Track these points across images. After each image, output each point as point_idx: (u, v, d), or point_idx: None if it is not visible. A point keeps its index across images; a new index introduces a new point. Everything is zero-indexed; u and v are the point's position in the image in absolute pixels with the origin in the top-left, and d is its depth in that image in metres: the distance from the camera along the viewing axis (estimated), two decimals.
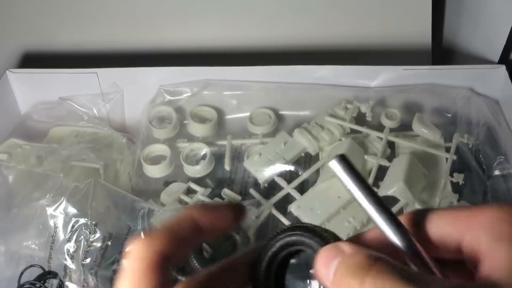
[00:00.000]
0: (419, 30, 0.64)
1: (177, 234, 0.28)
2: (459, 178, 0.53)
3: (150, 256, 0.27)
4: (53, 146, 0.57)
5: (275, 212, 0.51)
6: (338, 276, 0.24)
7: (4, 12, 0.66)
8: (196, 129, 0.59)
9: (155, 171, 0.56)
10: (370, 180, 0.52)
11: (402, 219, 0.26)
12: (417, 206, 0.51)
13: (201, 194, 0.52)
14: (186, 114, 0.61)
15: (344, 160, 0.25)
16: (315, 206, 0.51)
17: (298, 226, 0.26)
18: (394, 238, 0.24)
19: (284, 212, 0.51)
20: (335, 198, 0.51)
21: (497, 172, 0.54)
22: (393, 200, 0.51)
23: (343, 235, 0.42)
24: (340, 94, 0.60)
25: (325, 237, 0.25)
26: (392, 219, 0.25)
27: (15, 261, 0.47)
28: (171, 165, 0.56)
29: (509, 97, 0.59)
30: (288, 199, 0.52)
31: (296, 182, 0.53)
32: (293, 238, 0.26)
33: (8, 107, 0.63)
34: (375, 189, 0.28)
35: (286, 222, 0.50)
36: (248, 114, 0.60)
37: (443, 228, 0.26)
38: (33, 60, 0.68)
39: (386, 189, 0.51)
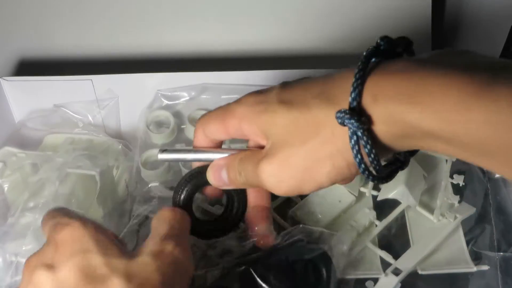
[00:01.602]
0: (419, 31, 0.64)
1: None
2: (459, 179, 0.53)
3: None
4: (48, 153, 0.56)
5: (275, 217, 0.50)
6: (232, 176, 0.39)
7: None
8: None
9: (153, 177, 0.55)
10: (371, 183, 0.52)
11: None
12: (418, 209, 0.51)
13: (200, 201, 0.51)
14: (184, 118, 0.60)
15: (164, 150, 0.42)
16: (316, 210, 0.51)
17: (182, 181, 0.42)
18: (219, 155, 0.41)
19: (285, 217, 0.51)
20: (336, 202, 0.52)
21: (497, 174, 0.54)
22: (395, 202, 0.51)
23: (347, 238, 0.43)
24: None
25: (202, 170, 0.41)
26: (212, 151, 0.41)
27: (12, 270, 0.46)
28: (170, 170, 0.56)
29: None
30: (288, 204, 0.52)
31: None
32: (189, 189, 0.42)
33: (2, 115, 0.62)
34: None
35: (287, 226, 0.49)
36: None
37: (218, 134, 0.40)
38: (27, 67, 0.68)
39: (387, 192, 0.51)
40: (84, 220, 0.36)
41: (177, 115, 0.61)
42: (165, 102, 0.60)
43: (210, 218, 0.48)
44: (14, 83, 0.61)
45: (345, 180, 0.37)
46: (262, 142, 0.37)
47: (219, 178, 0.40)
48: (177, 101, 0.60)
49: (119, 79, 0.61)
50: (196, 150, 0.41)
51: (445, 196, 0.52)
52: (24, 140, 0.61)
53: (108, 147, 0.59)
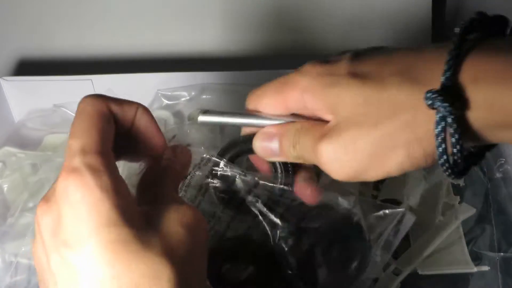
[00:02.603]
0: (419, 32, 0.64)
1: (120, 100, 0.33)
2: (459, 180, 0.53)
3: (101, 105, 0.31)
4: (48, 153, 0.56)
5: None
6: (285, 148, 0.34)
7: None
8: (194, 133, 0.59)
9: None
10: (371, 183, 0.52)
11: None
12: (418, 209, 0.51)
13: None
14: (184, 118, 0.60)
15: (206, 111, 0.37)
16: None
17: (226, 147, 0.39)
18: (271, 122, 0.35)
19: None
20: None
21: (498, 175, 0.54)
22: (396, 203, 0.51)
23: None
24: None
25: (249, 138, 0.36)
26: (263, 117, 0.35)
27: (11, 270, 0.46)
28: None
29: None
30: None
31: None
32: (231, 155, 0.38)
33: (1, 115, 0.62)
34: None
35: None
36: None
37: (275, 110, 0.35)
38: (27, 67, 0.68)
39: (387, 193, 0.51)
40: (98, 171, 0.28)
41: (177, 115, 0.61)
42: (165, 102, 0.60)
43: None
44: (14, 83, 0.61)
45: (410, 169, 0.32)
46: (326, 117, 0.33)
47: (268, 148, 0.35)
48: (177, 101, 0.60)
49: (119, 79, 0.61)
50: (244, 113, 0.36)
51: (445, 196, 0.52)
52: (24, 140, 0.61)
53: None
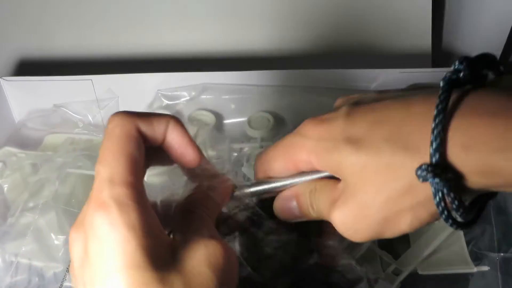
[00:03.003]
0: (419, 33, 0.64)
1: (150, 116, 0.32)
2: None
3: (130, 126, 0.30)
4: (48, 153, 0.56)
5: None
6: (305, 210, 0.34)
7: None
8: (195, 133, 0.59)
9: (153, 177, 0.55)
10: None
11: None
12: None
13: None
14: (184, 118, 0.60)
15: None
16: None
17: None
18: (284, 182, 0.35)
19: None
20: None
21: None
22: None
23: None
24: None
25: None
26: (277, 181, 0.35)
27: (12, 270, 0.46)
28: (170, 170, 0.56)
29: None
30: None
31: None
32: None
33: (2, 115, 0.62)
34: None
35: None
36: (246, 118, 0.60)
37: (284, 171, 0.35)
38: (27, 67, 0.68)
39: None
40: (126, 206, 0.28)
41: (177, 115, 0.61)
42: (165, 102, 0.60)
43: None
44: (14, 83, 0.61)
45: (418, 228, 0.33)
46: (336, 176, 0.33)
47: (289, 211, 0.36)
48: (177, 101, 0.60)
49: (119, 79, 0.61)
50: (258, 182, 0.36)
51: None
52: (24, 140, 0.61)
53: None
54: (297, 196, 0.35)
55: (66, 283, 0.46)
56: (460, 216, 0.29)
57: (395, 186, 0.30)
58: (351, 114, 0.32)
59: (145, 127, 0.31)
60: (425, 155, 0.28)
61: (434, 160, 0.27)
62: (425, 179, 0.28)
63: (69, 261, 0.47)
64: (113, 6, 0.64)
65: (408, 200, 0.30)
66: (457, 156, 0.27)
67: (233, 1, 0.64)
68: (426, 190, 0.29)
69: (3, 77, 0.61)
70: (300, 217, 0.36)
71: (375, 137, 0.30)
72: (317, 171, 0.34)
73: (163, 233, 0.30)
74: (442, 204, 0.28)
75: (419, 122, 0.29)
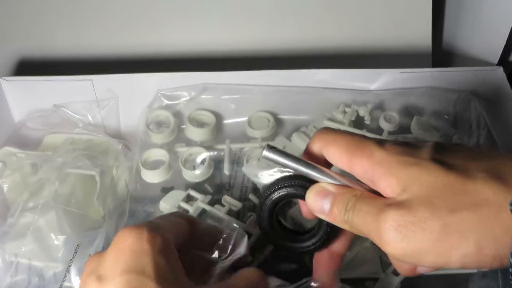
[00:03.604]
0: (419, 33, 0.64)
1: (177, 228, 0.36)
2: None
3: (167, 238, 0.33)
4: (48, 153, 0.56)
5: None
6: (335, 210, 0.34)
7: None
8: (195, 133, 0.59)
9: (153, 177, 0.55)
10: None
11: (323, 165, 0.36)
12: None
13: (201, 201, 0.51)
14: (184, 118, 0.60)
15: (272, 147, 0.37)
16: None
17: (282, 180, 0.38)
18: (331, 181, 0.36)
19: (285, 217, 0.51)
20: None
21: None
22: None
23: None
24: (339, 98, 0.60)
25: (304, 185, 0.37)
26: (324, 172, 0.36)
27: (12, 270, 0.46)
28: (170, 170, 0.56)
29: (506, 99, 0.59)
30: (288, 204, 0.52)
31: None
32: (282, 194, 0.38)
33: (1, 115, 0.62)
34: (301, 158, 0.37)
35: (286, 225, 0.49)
36: (246, 118, 0.60)
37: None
38: (27, 67, 0.68)
39: None
40: (154, 231, 0.32)
41: (177, 115, 0.61)
42: (165, 102, 0.60)
43: (289, 228, 0.43)
44: (13, 83, 0.61)
45: (471, 267, 0.31)
46: (389, 193, 0.32)
47: (319, 204, 0.35)
48: (177, 101, 0.60)
49: (119, 79, 0.61)
50: (307, 163, 0.36)
51: None
52: (24, 140, 0.61)
53: (108, 147, 0.59)
54: (336, 194, 0.35)
55: (66, 283, 0.46)
56: None
57: (475, 211, 0.29)
58: (440, 147, 0.33)
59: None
60: None
61: None
62: None
63: (69, 261, 0.47)
64: (113, 6, 0.64)
65: (481, 228, 0.29)
66: None
67: (233, 1, 0.64)
68: (508, 226, 0.28)
69: (3, 77, 0.61)
70: (325, 216, 0.35)
71: (470, 167, 0.30)
72: (360, 183, 0.35)
73: (184, 277, 0.32)
74: None
75: None
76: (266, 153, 0.37)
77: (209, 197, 0.52)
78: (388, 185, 0.32)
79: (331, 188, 0.35)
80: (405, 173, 0.31)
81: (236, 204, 0.51)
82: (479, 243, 0.29)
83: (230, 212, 0.50)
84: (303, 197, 0.37)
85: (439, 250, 0.30)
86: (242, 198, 0.53)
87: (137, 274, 0.30)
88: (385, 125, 0.57)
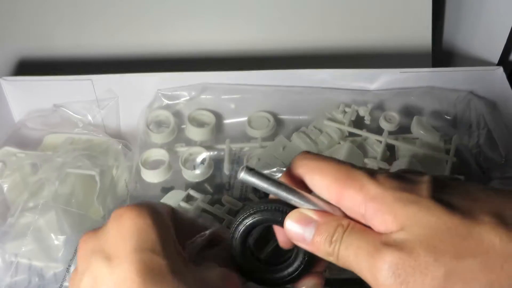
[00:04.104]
0: (419, 33, 0.64)
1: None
2: None
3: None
4: (48, 153, 0.56)
5: None
6: (319, 239, 0.31)
7: None
8: (194, 133, 0.59)
9: (153, 176, 0.55)
10: None
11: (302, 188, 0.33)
12: None
13: (201, 201, 0.51)
14: (184, 118, 0.60)
15: (251, 169, 0.33)
16: None
17: (257, 203, 0.34)
18: (313, 207, 0.32)
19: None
20: None
21: (497, 175, 0.54)
22: None
23: None
24: (339, 98, 0.60)
25: (282, 209, 0.33)
26: (306, 198, 0.32)
27: (12, 270, 0.46)
28: (170, 170, 0.56)
29: (506, 99, 0.59)
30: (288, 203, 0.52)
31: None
32: (256, 219, 0.34)
33: (1, 115, 0.62)
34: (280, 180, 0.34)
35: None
36: (246, 118, 0.60)
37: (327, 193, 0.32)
38: (27, 67, 0.68)
39: None
40: (153, 207, 0.31)
41: (177, 115, 0.61)
42: (165, 101, 0.60)
43: (263, 257, 0.38)
44: (13, 83, 0.61)
45: None
46: (384, 231, 0.30)
47: (300, 233, 0.32)
48: (177, 101, 0.60)
49: (119, 79, 0.61)
50: (288, 187, 0.33)
51: None
52: (24, 140, 0.61)
53: (108, 147, 0.59)
54: (320, 223, 0.32)
55: (66, 283, 0.46)
56: None
57: (482, 258, 0.27)
58: (439, 183, 0.30)
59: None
60: None
61: None
62: None
63: (69, 261, 0.47)
64: (113, 6, 0.64)
65: (486, 279, 0.27)
66: None
67: (233, 1, 0.64)
68: (511, 278, 0.27)
69: (3, 77, 0.61)
70: (306, 245, 0.32)
71: (474, 208, 0.29)
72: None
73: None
74: None
75: None
76: (244, 175, 0.33)
77: (209, 197, 0.52)
78: (383, 222, 0.30)
79: (313, 215, 0.32)
80: (403, 211, 0.29)
81: (236, 204, 0.51)
82: None
83: (230, 212, 0.50)
84: (280, 223, 0.33)
85: None
86: (242, 198, 0.53)
87: (149, 251, 0.29)
88: (385, 125, 0.57)
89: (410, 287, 0.28)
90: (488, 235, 0.27)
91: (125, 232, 0.30)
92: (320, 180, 0.32)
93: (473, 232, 0.28)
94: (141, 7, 0.64)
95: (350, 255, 0.30)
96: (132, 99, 0.62)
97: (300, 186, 0.33)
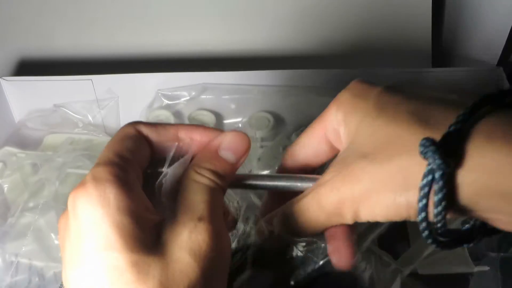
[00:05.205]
0: (419, 33, 0.64)
1: (156, 124, 0.31)
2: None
3: (129, 127, 0.31)
4: (48, 153, 0.56)
5: None
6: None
7: None
8: None
9: None
10: None
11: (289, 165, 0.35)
12: None
13: None
14: (184, 118, 0.60)
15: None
16: None
17: None
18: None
19: None
20: None
21: None
22: None
23: None
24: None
25: None
26: (286, 178, 0.33)
27: (12, 270, 0.46)
28: None
29: (507, 100, 0.59)
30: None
31: None
32: None
33: (2, 115, 0.62)
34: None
35: None
36: (246, 118, 0.60)
37: (314, 147, 0.34)
38: (27, 67, 0.68)
39: None
40: (102, 182, 0.27)
41: (177, 115, 0.61)
42: (165, 102, 0.60)
43: None
44: (14, 83, 0.61)
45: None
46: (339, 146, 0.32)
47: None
48: (177, 101, 0.60)
49: (119, 79, 0.61)
50: (270, 176, 0.33)
51: None
52: (24, 140, 0.61)
53: None
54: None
55: None
56: (436, 218, 0.26)
57: (395, 159, 0.27)
58: (389, 89, 0.31)
59: (147, 130, 0.31)
60: (440, 132, 0.26)
61: (447, 138, 0.25)
62: (425, 153, 0.25)
63: None
64: (113, 6, 0.64)
65: (398, 178, 0.27)
66: (471, 143, 0.25)
67: (233, 1, 0.64)
68: (419, 174, 0.26)
69: (3, 77, 0.61)
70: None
71: (399, 109, 0.29)
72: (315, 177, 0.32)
73: (149, 212, 0.28)
74: (426, 189, 0.26)
75: (448, 110, 0.27)
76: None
77: None
78: (339, 135, 0.32)
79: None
80: (354, 117, 0.31)
81: (232, 199, 0.51)
82: (394, 193, 0.27)
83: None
84: None
85: (366, 203, 0.29)
86: (242, 198, 0.53)
87: (106, 249, 0.26)
88: None
89: (340, 196, 0.29)
90: (404, 133, 0.28)
91: (80, 233, 0.27)
92: (306, 138, 0.34)
93: (391, 133, 0.28)
94: (141, 7, 0.64)
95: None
96: (132, 99, 0.62)
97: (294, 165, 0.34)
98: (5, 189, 0.54)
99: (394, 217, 0.28)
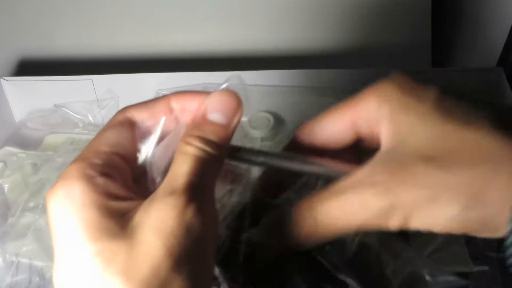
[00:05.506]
0: (419, 33, 0.64)
1: (146, 102, 0.31)
2: None
3: (116, 117, 0.30)
4: (48, 153, 0.56)
5: None
6: None
7: None
8: None
9: None
10: None
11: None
12: None
13: None
14: None
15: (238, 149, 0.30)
16: None
17: None
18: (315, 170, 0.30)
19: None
20: None
21: None
22: None
23: None
24: (339, 98, 0.60)
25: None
26: (306, 160, 0.30)
27: (12, 270, 0.46)
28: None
29: (506, 100, 0.59)
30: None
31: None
32: None
33: (2, 115, 0.62)
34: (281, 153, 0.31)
35: None
36: (246, 118, 0.60)
37: (337, 130, 0.31)
38: (27, 67, 0.68)
39: None
40: (67, 179, 0.26)
41: None
42: None
43: None
44: (14, 83, 0.61)
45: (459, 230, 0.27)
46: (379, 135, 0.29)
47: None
48: None
49: (119, 79, 0.61)
50: (280, 154, 0.30)
51: None
52: (24, 140, 0.61)
53: None
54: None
55: None
56: None
57: (474, 166, 0.25)
58: (446, 92, 0.29)
59: (137, 112, 0.30)
60: None
61: None
62: None
63: None
64: (113, 6, 0.64)
65: (476, 186, 0.25)
66: None
67: (234, 1, 0.64)
68: (501, 187, 0.24)
69: (3, 77, 0.61)
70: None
71: (473, 114, 0.27)
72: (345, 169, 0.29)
73: (121, 200, 0.26)
74: None
75: None
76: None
77: None
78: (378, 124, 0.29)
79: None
80: (408, 116, 0.28)
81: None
82: (470, 202, 0.25)
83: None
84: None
85: (424, 209, 0.26)
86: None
87: (72, 246, 0.25)
88: None
89: (390, 199, 0.27)
90: (484, 140, 0.25)
91: (52, 229, 0.26)
92: (329, 120, 0.32)
93: (468, 138, 0.26)
94: (141, 7, 0.64)
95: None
96: (132, 99, 0.61)
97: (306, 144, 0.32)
98: (6, 189, 0.54)
99: (456, 229, 0.26)
